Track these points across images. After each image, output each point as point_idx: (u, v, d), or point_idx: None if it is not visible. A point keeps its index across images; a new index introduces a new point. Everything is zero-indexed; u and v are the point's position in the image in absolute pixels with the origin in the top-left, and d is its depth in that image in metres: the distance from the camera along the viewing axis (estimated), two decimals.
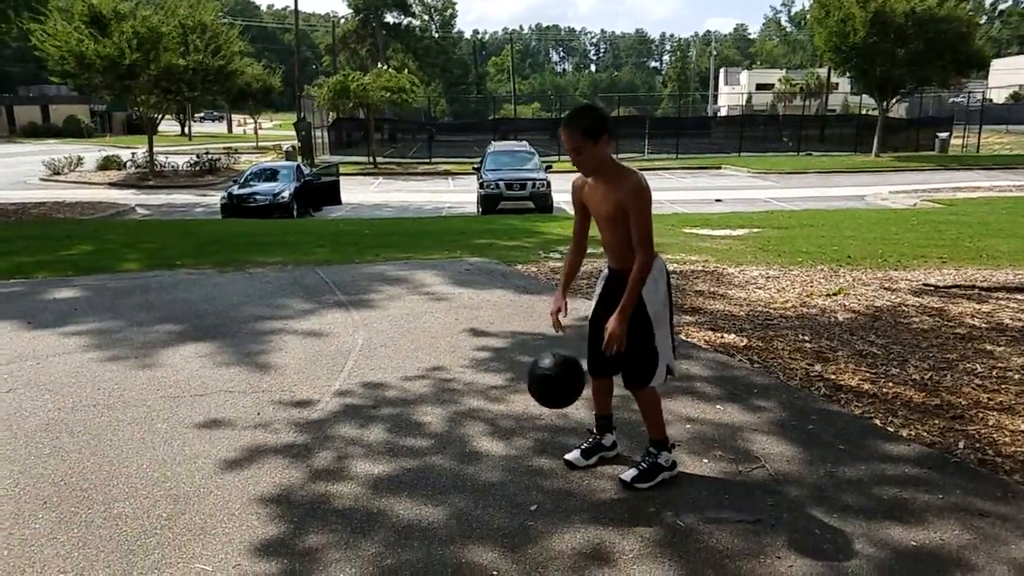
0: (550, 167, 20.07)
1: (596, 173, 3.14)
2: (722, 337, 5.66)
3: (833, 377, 4.78)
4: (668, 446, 3.36)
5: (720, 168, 32.27)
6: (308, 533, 2.99)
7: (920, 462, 3.56)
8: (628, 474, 3.32)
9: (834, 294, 7.13)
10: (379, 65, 42.44)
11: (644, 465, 3.33)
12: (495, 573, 2.73)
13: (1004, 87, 56.62)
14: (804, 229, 12.89)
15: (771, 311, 6.49)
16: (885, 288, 7.44)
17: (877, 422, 4.08)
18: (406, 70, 40.04)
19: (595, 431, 3.61)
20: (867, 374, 4.84)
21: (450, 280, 7.70)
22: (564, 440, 3.81)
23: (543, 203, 17.85)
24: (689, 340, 5.57)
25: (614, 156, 3.16)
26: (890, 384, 4.66)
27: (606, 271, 3.40)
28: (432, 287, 7.38)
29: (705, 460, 3.57)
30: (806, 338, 5.64)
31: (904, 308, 6.60)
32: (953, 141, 37.89)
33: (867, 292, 7.25)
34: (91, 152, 32.35)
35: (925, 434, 3.92)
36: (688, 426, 3.96)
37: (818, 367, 4.97)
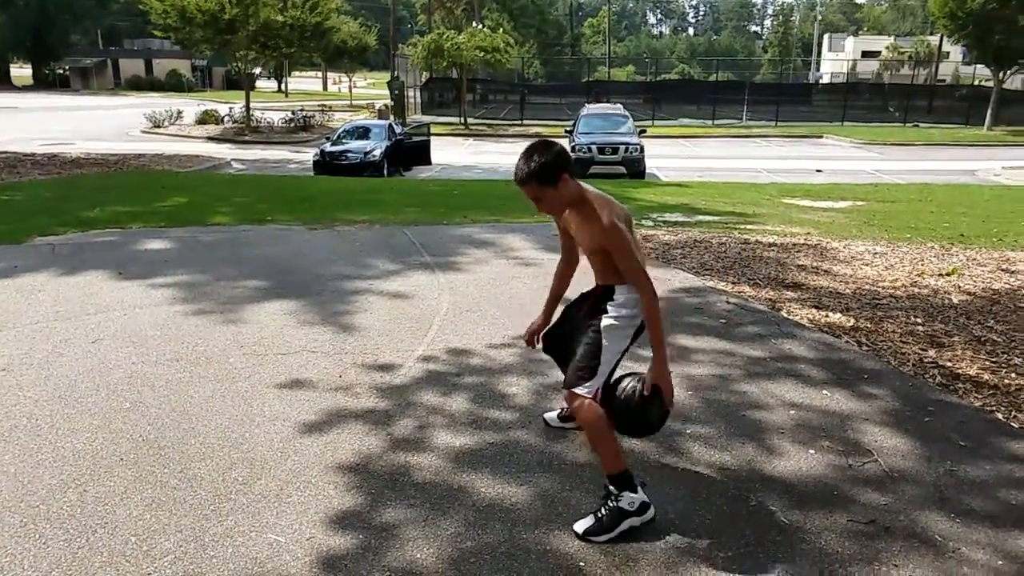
0: (644, 131, 19.45)
1: (567, 208, 2.83)
2: (827, 316, 5.25)
3: (949, 364, 4.35)
4: (634, 483, 2.75)
5: (821, 137, 30.69)
6: (386, 507, 2.85)
7: None
8: (580, 524, 2.72)
9: (947, 274, 6.56)
10: (474, 24, 42.02)
11: (603, 512, 2.71)
12: (582, 563, 2.53)
13: None
14: (912, 204, 12.05)
15: (879, 290, 6.01)
16: (1003, 270, 6.81)
17: (999, 416, 3.67)
18: (501, 30, 39.52)
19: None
20: (986, 363, 4.38)
21: (539, 245, 7.46)
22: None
23: (635, 168, 17.32)
24: (791, 318, 5.19)
25: (583, 186, 2.77)
26: (1012, 375, 4.20)
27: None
28: (520, 251, 7.16)
29: (811, 451, 3.25)
30: (918, 320, 5.17)
31: None
32: None
33: (983, 273, 6.64)
34: (190, 106, 33.33)
35: None
36: (792, 412, 3.64)
37: (932, 353, 4.54)
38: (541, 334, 3.25)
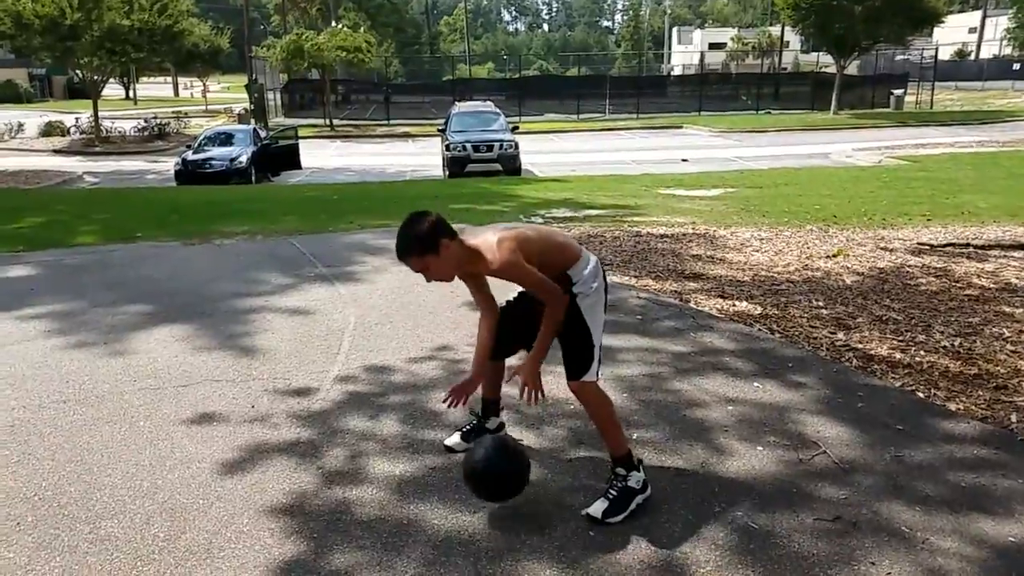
0: (516, 128, 19.57)
1: (458, 270, 2.77)
2: (734, 305, 5.38)
3: (861, 346, 4.53)
4: (636, 463, 2.87)
5: (681, 127, 31.98)
6: (332, 551, 2.61)
7: (985, 441, 3.32)
8: (596, 508, 2.78)
9: (834, 255, 6.91)
10: (332, 24, 40.90)
11: (613, 493, 2.80)
12: None
13: (948, 44, 57.31)
14: (779, 188, 12.70)
15: (775, 275, 6.23)
16: (882, 248, 7.25)
17: (920, 395, 3.83)
18: (362, 29, 38.76)
19: (479, 414, 3.34)
20: (894, 342, 4.60)
21: None
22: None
23: (511, 165, 17.38)
24: (701, 309, 5.27)
25: (465, 241, 2.69)
26: (922, 352, 4.42)
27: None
28: None
29: (759, 447, 3.27)
30: (820, 304, 5.38)
31: (908, 269, 6.40)
32: (906, 98, 38.18)
33: (865, 253, 7.04)
34: (32, 118, 30.67)
35: (973, 407, 3.69)
36: (730, 408, 3.66)
37: (842, 335, 4.72)
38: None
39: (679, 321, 4.97)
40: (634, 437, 3.37)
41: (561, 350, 2.89)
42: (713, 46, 70.47)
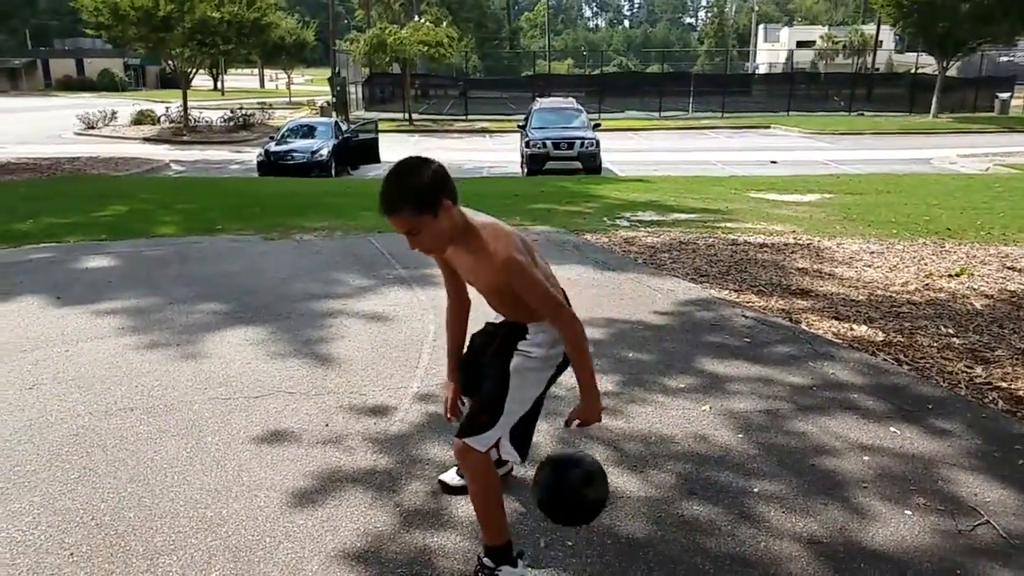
0: (598, 125, 19.06)
1: (451, 244, 2.27)
2: (852, 329, 4.83)
3: (1005, 385, 3.95)
4: (512, 556, 2.38)
5: (769, 127, 30.82)
6: None
7: None
8: None
9: (957, 275, 6.24)
10: (415, 18, 41.07)
11: None
12: None
13: None
14: (881, 196, 11.86)
15: (893, 295, 5.64)
16: (1009, 268, 6.53)
17: None
18: (444, 23, 38.77)
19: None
20: None
21: None
22: (714, 476, 3.03)
23: (591, 163, 16.92)
24: (816, 332, 4.75)
25: (468, 213, 2.27)
26: None
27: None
28: None
29: (907, 511, 2.77)
30: (950, 331, 4.79)
31: None
32: (1012, 102, 35.90)
33: (991, 273, 6.34)
34: (125, 106, 31.73)
35: None
36: (866, 458, 3.16)
37: (980, 371, 4.14)
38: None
39: (793, 346, 4.47)
40: (755, 490, 2.92)
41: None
42: (801, 44, 68.06)
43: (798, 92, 38.64)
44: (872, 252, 7.06)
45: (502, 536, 2.37)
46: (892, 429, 3.40)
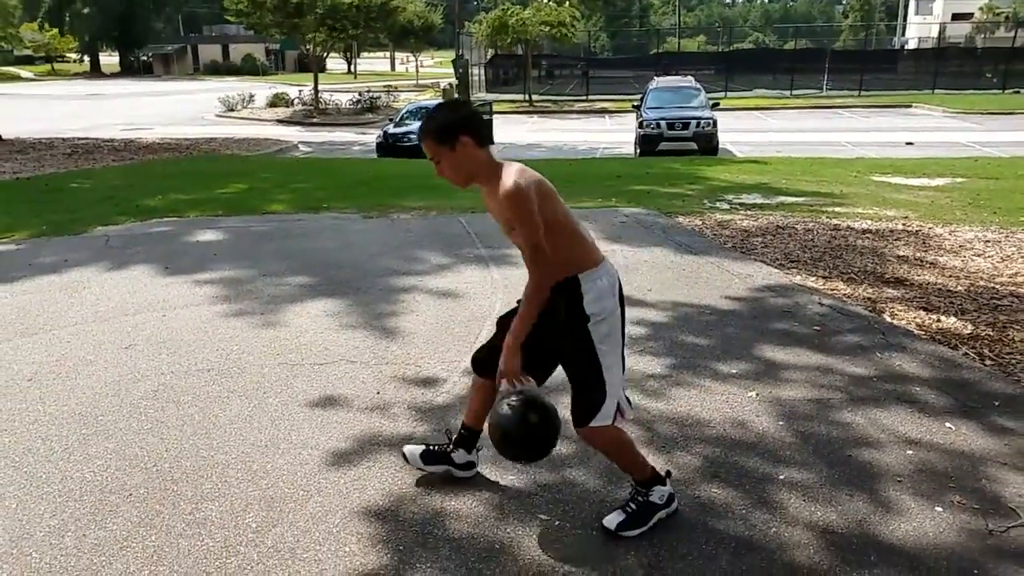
0: (717, 104, 18.44)
1: (475, 180, 2.45)
2: (939, 320, 4.56)
3: None
4: (661, 479, 2.63)
5: (910, 107, 28.84)
6: (415, 570, 2.41)
7: None
8: (611, 519, 2.58)
9: None
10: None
11: (632, 507, 2.60)
12: None
13: None
14: (1021, 181, 10.94)
15: (997, 287, 5.25)
16: None
17: None
18: (567, 3, 38.61)
19: (451, 438, 2.93)
20: None
21: (602, 234, 6.90)
22: (741, 461, 3.00)
23: (707, 144, 16.43)
24: (897, 324, 4.52)
25: (497, 160, 2.42)
26: None
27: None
28: None
29: (938, 508, 2.65)
30: None
31: None
32: None
33: None
34: (263, 89, 33.63)
35: None
36: (910, 452, 3.03)
37: None
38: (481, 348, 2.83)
39: (865, 336, 4.27)
40: (780, 477, 2.87)
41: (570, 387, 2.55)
42: (957, 16, 62.92)
43: (947, 69, 35.85)
44: (987, 241, 6.57)
45: (646, 471, 2.61)
46: (947, 425, 3.22)
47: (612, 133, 22.60)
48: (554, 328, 2.49)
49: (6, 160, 13.75)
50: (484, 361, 2.72)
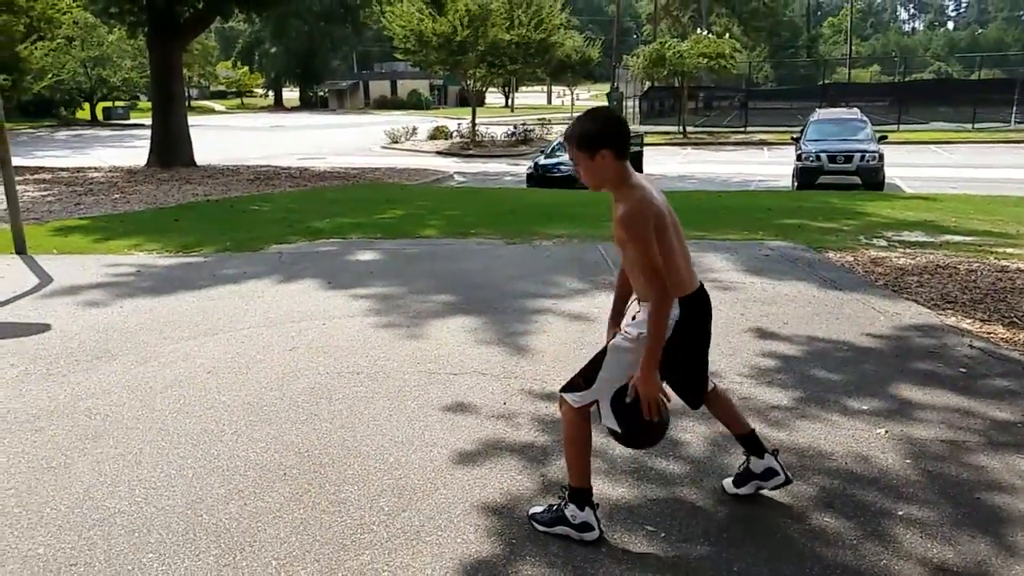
0: (885, 138, 17.57)
1: (605, 188, 2.62)
2: None
3: None
4: (587, 501, 2.70)
5: None
6: (523, 561, 2.60)
7: None
8: (535, 508, 2.85)
9: None
10: (698, 31, 40.90)
11: (553, 507, 2.78)
12: None
13: None
14: None
15: None
16: None
17: None
18: (727, 35, 38.15)
19: (745, 455, 2.96)
20: None
21: (743, 266, 6.87)
22: (859, 494, 2.98)
23: (872, 179, 15.66)
24: None
25: (632, 173, 2.57)
26: None
27: None
28: (720, 273, 6.63)
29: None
30: None
31: None
32: None
33: None
34: (425, 123, 35.53)
35: None
36: None
37: None
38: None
39: (1016, 382, 4.05)
40: (899, 513, 2.83)
41: None
42: None
43: None
44: None
45: (582, 482, 2.72)
46: None
47: (769, 166, 22.05)
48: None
49: (199, 184, 15.42)
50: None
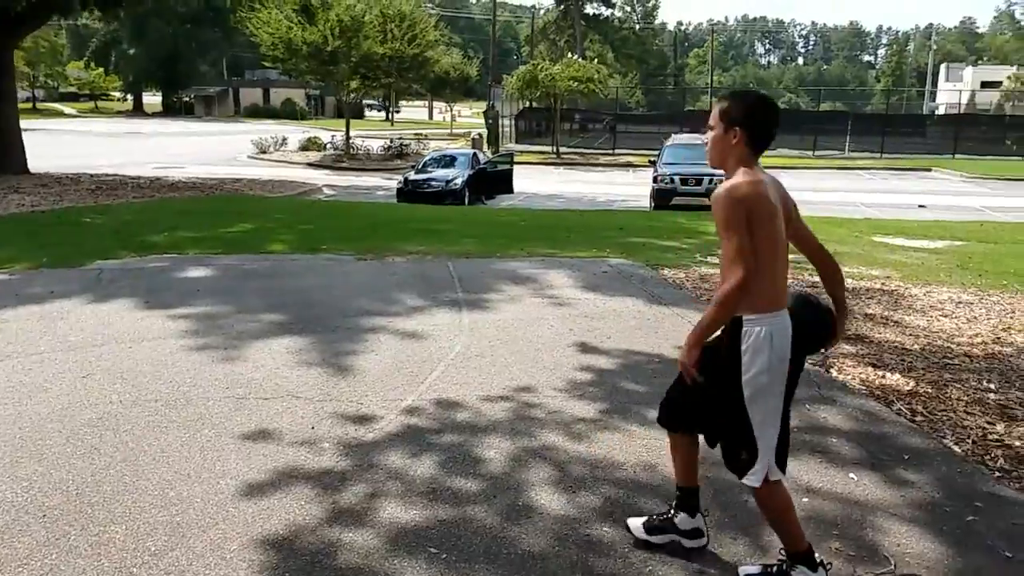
0: None
1: (721, 167, 2.53)
2: (883, 377, 4.59)
3: (1018, 444, 3.68)
4: (812, 562, 2.47)
5: (929, 170, 28.78)
6: None
7: None
8: (747, 569, 2.60)
9: None
10: (571, 55, 41.98)
11: (772, 570, 2.55)
12: None
13: None
14: (1018, 246, 10.88)
15: (953, 346, 5.27)
16: None
17: None
18: (595, 60, 39.37)
19: (671, 504, 2.80)
20: None
21: (581, 283, 7.02)
22: (641, 502, 3.08)
23: None
24: (838, 378, 4.56)
25: (754, 162, 2.47)
26: None
27: None
28: (558, 289, 6.75)
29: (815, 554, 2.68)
30: (991, 386, 4.46)
31: None
32: None
33: None
34: (298, 133, 34.58)
35: None
36: (806, 499, 3.08)
37: (1000, 428, 3.87)
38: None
39: (801, 390, 4.29)
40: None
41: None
42: (986, 84, 62.81)
43: (970, 135, 35.70)
44: (959, 302, 6.57)
45: (801, 545, 2.50)
46: (851, 475, 3.27)
47: (633, 187, 22.81)
48: (711, 366, 2.44)
49: (28, 193, 14.18)
50: (670, 417, 2.72)
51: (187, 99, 70.07)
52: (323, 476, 3.30)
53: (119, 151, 28.68)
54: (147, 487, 3.18)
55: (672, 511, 2.76)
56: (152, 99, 72.30)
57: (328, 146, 30.90)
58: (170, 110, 68.37)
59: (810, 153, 33.71)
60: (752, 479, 2.44)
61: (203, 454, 3.49)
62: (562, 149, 35.05)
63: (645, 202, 18.28)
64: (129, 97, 73.30)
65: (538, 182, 23.58)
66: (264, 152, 29.61)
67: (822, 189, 22.10)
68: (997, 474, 3.36)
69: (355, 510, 3.02)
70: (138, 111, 66.92)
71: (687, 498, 2.73)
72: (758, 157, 2.47)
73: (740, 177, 2.39)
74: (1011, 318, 6.02)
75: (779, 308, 2.41)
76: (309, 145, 31.15)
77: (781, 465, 2.49)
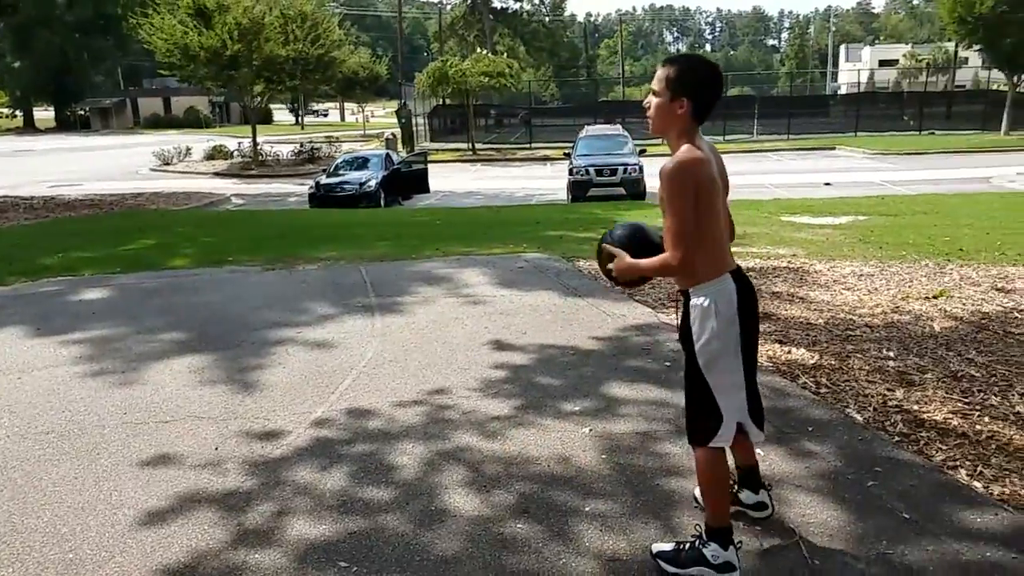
0: (644, 151, 18.92)
1: (663, 136, 2.50)
2: (789, 352, 4.72)
3: (916, 408, 3.82)
4: (727, 540, 2.50)
5: (834, 149, 30.02)
6: None
7: (1013, 541, 2.63)
8: (659, 545, 2.61)
9: (935, 297, 5.98)
10: (480, 50, 41.91)
11: (684, 547, 2.55)
12: None
13: None
14: (916, 217, 11.43)
15: (855, 318, 5.47)
16: (997, 289, 6.20)
17: (963, 474, 3.14)
18: (505, 54, 39.50)
19: (734, 482, 2.84)
20: (959, 404, 3.85)
21: (496, 280, 7.00)
22: (555, 496, 3.07)
23: (634, 189, 16.86)
24: None
25: (696, 134, 2.45)
26: (985, 419, 3.67)
27: None
28: (474, 288, 6.71)
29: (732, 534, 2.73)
30: (891, 354, 4.63)
31: (1019, 315, 5.41)
32: None
33: (975, 294, 6.05)
34: (202, 142, 33.49)
35: (1022, 493, 2.96)
36: None
37: (899, 393, 4.01)
38: None
39: None
40: (586, 509, 2.96)
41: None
42: (884, 63, 66.08)
43: (870, 113, 37.48)
44: (861, 275, 6.83)
45: (721, 520, 2.52)
46: (757, 452, 3.32)
47: (550, 180, 22.96)
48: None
49: None
50: None
51: (82, 112, 66.94)
52: (227, 498, 3.17)
53: (9, 171, 27.17)
54: (37, 525, 3.00)
55: (736, 486, 2.83)
56: (44, 114, 68.86)
57: (235, 154, 30.08)
58: (64, 125, 65.19)
59: (720, 138, 34.62)
60: (720, 440, 2.47)
61: (99, 485, 3.31)
62: (478, 145, 35.02)
63: (563, 195, 18.42)
64: (18, 113, 69.46)
65: (455, 180, 23.53)
66: (167, 164, 28.60)
67: (732, 173, 21.79)
68: (896, 439, 3.48)
69: (261, 530, 2.91)
70: (29, 127, 63.55)
71: (748, 475, 2.82)
72: (700, 126, 2.46)
73: (687, 154, 2.38)
74: (909, 287, 6.28)
75: (720, 274, 2.44)
76: (215, 154, 30.23)
77: (758, 424, 2.56)
